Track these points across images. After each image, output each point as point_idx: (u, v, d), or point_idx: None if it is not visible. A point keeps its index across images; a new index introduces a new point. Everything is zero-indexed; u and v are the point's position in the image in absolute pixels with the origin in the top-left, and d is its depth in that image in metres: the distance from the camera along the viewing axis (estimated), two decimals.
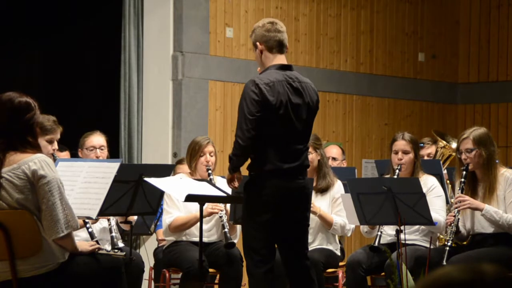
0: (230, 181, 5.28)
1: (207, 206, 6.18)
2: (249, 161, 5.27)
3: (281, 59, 5.28)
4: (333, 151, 7.95)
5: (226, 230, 6.28)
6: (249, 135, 5.08)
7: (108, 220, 6.10)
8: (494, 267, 1.86)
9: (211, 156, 6.50)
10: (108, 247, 5.96)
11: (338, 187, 6.63)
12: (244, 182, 5.25)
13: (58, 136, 5.57)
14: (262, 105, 5.09)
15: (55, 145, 5.52)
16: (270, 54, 5.26)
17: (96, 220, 5.96)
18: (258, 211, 5.16)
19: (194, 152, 6.51)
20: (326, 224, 6.55)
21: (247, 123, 5.08)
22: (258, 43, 5.28)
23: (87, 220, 5.69)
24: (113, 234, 6.03)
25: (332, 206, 6.63)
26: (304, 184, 5.26)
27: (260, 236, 5.17)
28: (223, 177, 6.86)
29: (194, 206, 6.21)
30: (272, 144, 5.14)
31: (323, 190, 6.62)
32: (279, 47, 5.27)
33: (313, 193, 6.57)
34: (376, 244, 6.19)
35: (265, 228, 5.16)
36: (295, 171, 5.19)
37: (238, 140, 5.11)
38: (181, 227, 6.44)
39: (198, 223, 5.67)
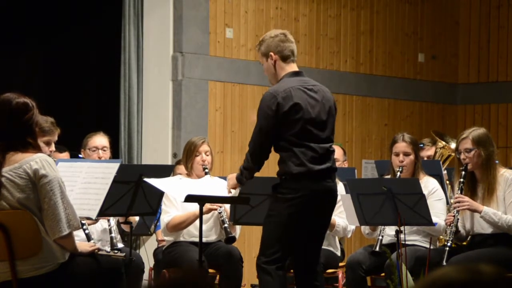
0: (231, 186, 5.38)
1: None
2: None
3: (293, 67, 5.36)
4: None
5: (226, 225, 6.29)
6: (261, 149, 5.20)
7: (108, 220, 6.11)
8: (492, 268, 1.86)
9: (207, 155, 6.51)
10: (108, 248, 5.96)
11: (339, 189, 6.62)
12: (273, 184, 5.29)
13: (56, 137, 5.57)
14: (281, 116, 5.16)
15: (52, 147, 5.53)
16: (284, 63, 5.32)
17: (96, 221, 5.97)
18: (284, 212, 5.18)
19: (189, 153, 6.53)
20: (329, 226, 6.55)
21: (261, 137, 5.20)
22: (272, 53, 5.31)
23: (83, 222, 5.70)
24: (113, 234, 6.04)
25: None
26: (333, 186, 5.30)
27: (282, 236, 5.20)
28: (221, 177, 6.86)
29: (192, 205, 6.22)
30: (299, 147, 5.18)
31: None
32: (292, 56, 5.35)
33: None
34: (377, 248, 6.19)
35: (289, 229, 5.19)
36: (323, 174, 5.23)
37: (250, 153, 5.23)
38: (179, 226, 6.45)
39: (197, 223, 5.67)
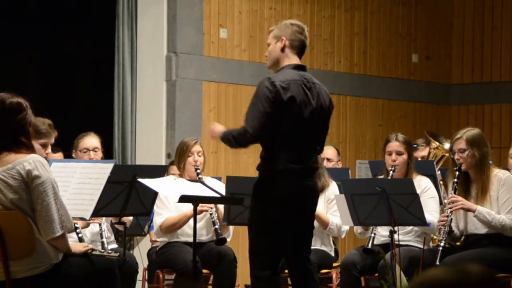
0: (212, 134, 5.21)
1: None
2: (259, 160, 5.22)
3: (298, 61, 5.24)
4: (328, 152, 7.93)
5: (216, 226, 6.29)
6: (260, 129, 4.98)
7: (100, 225, 6.09)
8: (480, 268, 1.87)
9: (199, 156, 6.51)
10: (100, 248, 5.95)
11: (332, 188, 6.63)
12: (254, 182, 5.19)
13: (53, 140, 5.56)
14: (276, 104, 5.01)
15: (49, 149, 5.52)
16: (291, 53, 5.20)
17: (87, 225, 5.97)
18: (268, 212, 5.09)
19: (182, 153, 6.53)
20: (322, 224, 6.55)
21: (259, 118, 4.98)
22: (283, 38, 5.18)
23: (77, 225, 5.69)
24: (104, 239, 6.03)
25: (327, 207, 6.64)
26: (313, 185, 5.22)
27: (270, 238, 5.10)
28: (213, 177, 6.86)
29: (185, 206, 6.22)
30: (284, 145, 5.07)
31: None
32: (301, 49, 5.23)
33: None
34: (370, 246, 6.19)
35: (275, 229, 5.10)
36: (304, 172, 5.14)
37: (248, 131, 4.99)
38: (172, 227, 6.45)
39: (191, 223, 5.67)
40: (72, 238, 5.32)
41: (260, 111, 5.00)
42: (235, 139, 5.08)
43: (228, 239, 6.49)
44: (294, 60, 5.21)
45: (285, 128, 5.07)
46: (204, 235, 6.51)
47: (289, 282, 5.54)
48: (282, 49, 5.19)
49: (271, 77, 5.07)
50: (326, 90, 5.29)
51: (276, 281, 5.15)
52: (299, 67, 5.21)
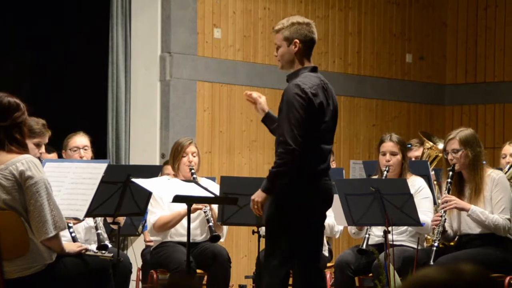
0: (258, 204, 5.05)
1: None
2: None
3: (311, 62, 5.23)
4: None
5: (210, 224, 6.29)
6: (300, 139, 4.95)
7: (94, 217, 6.09)
8: (473, 267, 1.87)
9: (194, 156, 6.51)
10: (94, 247, 5.95)
11: None
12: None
13: (46, 140, 5.56)
14: (309, 110, 5.00)
15: (42, 149, 5.52)
16: (305, 54, 5.17)
17: (81, 220, 5.96)
18: (288, 213, 5.07)
19: (176, 153, 6.53)
20: None
21: (297, 128, 4.95)
22: (297, 41, 5.12)
23: (70, 224, 5.69)
24: (99, 231, 6.03)
25: None
26: (331, 185, 5.24)
27: (289, 237, 5.08)
28: (208, 177, 6.86)
29: (179, 206, 6.22)
30: (310, 147, 5.06)
31: None
32: (311, 49, 5.22)
33: None
34: (364, 246, 6.20)
35: (294, 229, 5.09)
36: (325, 173, 5.15)
37: (289, 147, 4.92)
38: (165, 226, 6.45)
39: (185, 223, 5.67)
40: (65, 237, 5.32)
41: (296, 118, 4.95)
42: (281, 163, 4.98)
43: (222, 239, 6.49)
44: (307, 61, 5.19)
45: (313, 132, 5.06)
46: (198, 235, 6.51)
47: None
48: (297, 53, 5.14)
49: (299, 84, 5.03)
50: (333, 90, 5.32)
51: (287, 282, 5.16)
52: (315, 69, 5.21)
